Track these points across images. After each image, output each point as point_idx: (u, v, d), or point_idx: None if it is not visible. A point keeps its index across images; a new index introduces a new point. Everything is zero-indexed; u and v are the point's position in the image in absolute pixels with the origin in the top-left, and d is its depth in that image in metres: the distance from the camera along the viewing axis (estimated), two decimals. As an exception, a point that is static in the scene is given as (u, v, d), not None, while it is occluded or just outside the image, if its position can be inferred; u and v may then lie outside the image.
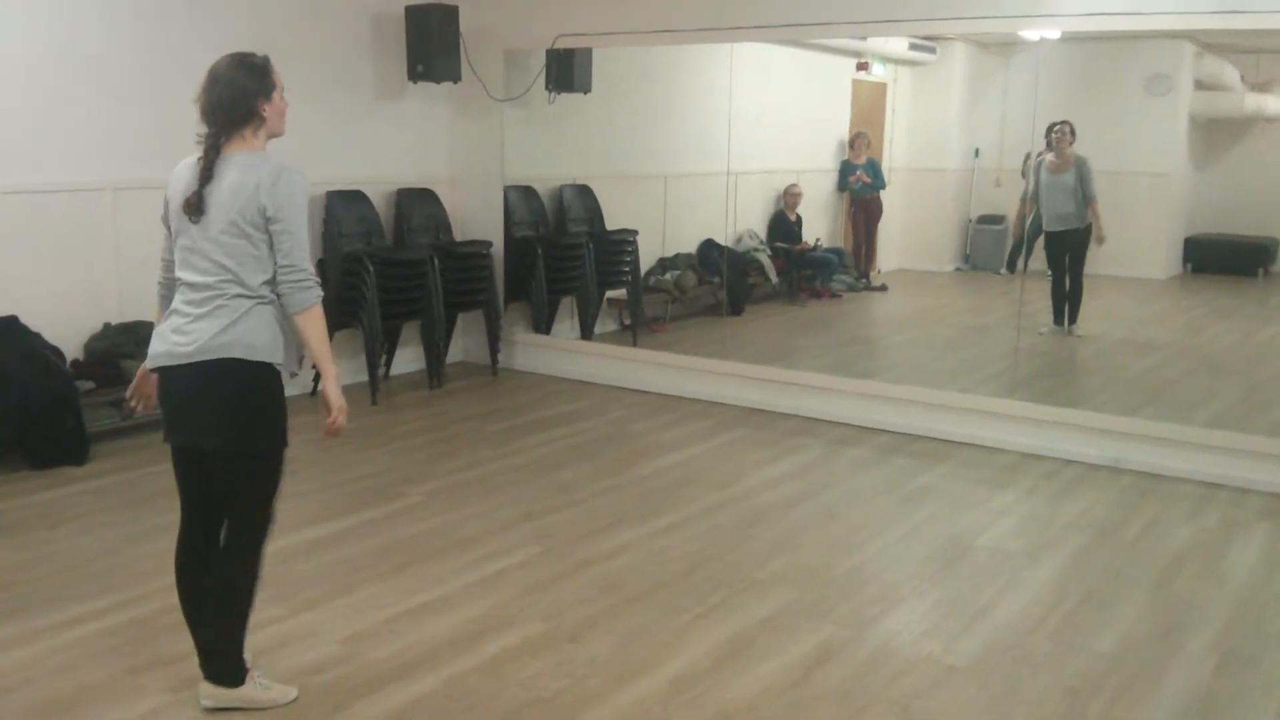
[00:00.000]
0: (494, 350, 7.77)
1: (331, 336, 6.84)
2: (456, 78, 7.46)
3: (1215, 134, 9.61)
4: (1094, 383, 7.59)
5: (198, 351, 3.01)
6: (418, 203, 7.59)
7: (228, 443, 3.10)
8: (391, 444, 6.04)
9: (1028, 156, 8.01)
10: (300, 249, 3.06)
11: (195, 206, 3.02)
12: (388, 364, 7.51)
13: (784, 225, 9.75)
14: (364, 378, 7.03)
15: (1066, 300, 8.03)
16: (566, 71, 7.76)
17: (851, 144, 9.96)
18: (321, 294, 3.13)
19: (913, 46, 9.71)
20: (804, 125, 10.00)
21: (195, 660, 3.29)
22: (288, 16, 6.77)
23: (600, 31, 7.23)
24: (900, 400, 6.50)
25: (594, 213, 8.38)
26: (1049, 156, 7.86)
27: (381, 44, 7.36)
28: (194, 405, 3.09)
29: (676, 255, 9.03)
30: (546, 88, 7.81)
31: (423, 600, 4.04)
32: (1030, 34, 6.40)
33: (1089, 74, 8.72)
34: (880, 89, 10.24)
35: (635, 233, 8.29)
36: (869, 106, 10.17)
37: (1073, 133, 7.77)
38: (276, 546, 4.47)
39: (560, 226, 8.20)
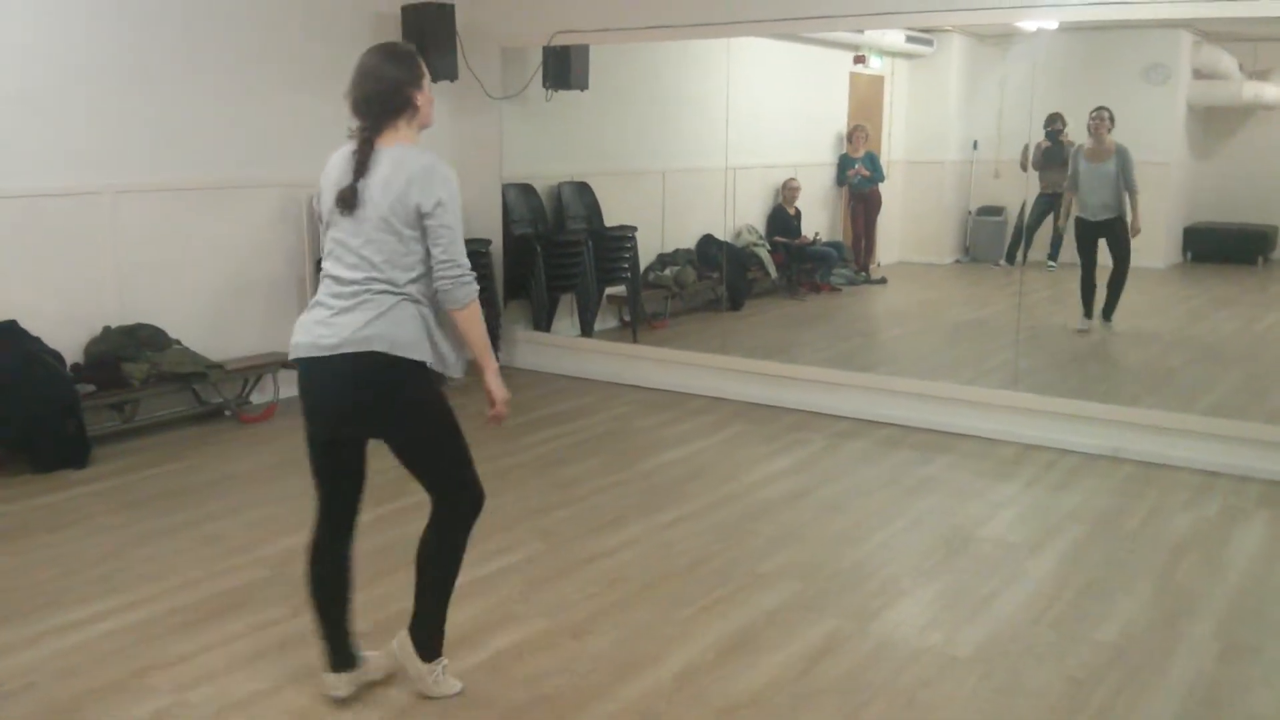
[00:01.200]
0: (494, 348, 7.75)
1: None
2: (453, 76, 7.45)
3: (1214, 123, 9.59)
4: (1094, 373, 7.59)
5: (341, 344, 3.00)
6: (416, 202, 7.57)
7: (376, 431, 3.14)
8: (393, 443, 6.03)
9: (1026, 147, 7.99)
10: (458, 244, 3.04)
11: (349, 201, 3.00)
12: (388, 363, 7.49)
13: (783, 220, 9.74)
14: (365, 377, 7.02)
15: (1108, 291, 7.89)
16: (563, 69, 7.76)
17: (849, 137, 9.95)
18: (478, 288, 3.11)
19: (910, 39, 9.70)
20: (802, 119, 9.98)
21: (200, 660, 3.30)
22: (284, 16, 6.76)
23: (597, 28, 7.22)
24: (901, 393, 6.51)
25: (593, 210, 8.38)
26: (1086, 144, 7.81)
27: (378, 42, 7.33)
28: (335, 397, 3.09)
29: (676, 251, 9.03)
30: (543, 85, 7.81)
31: (426, 598, 4.04)
32: (1028, 24, 6.40)
33: (1087, 64, 8.70)
34: (878, 82, 10.23)
35: (634, 229, 8.29)
36: (867, 100, 10.16)
37: (1111, 119, 7.74)
38: (278, 547, 4.51)
39: (559, 224, 8.20)
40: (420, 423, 3.13)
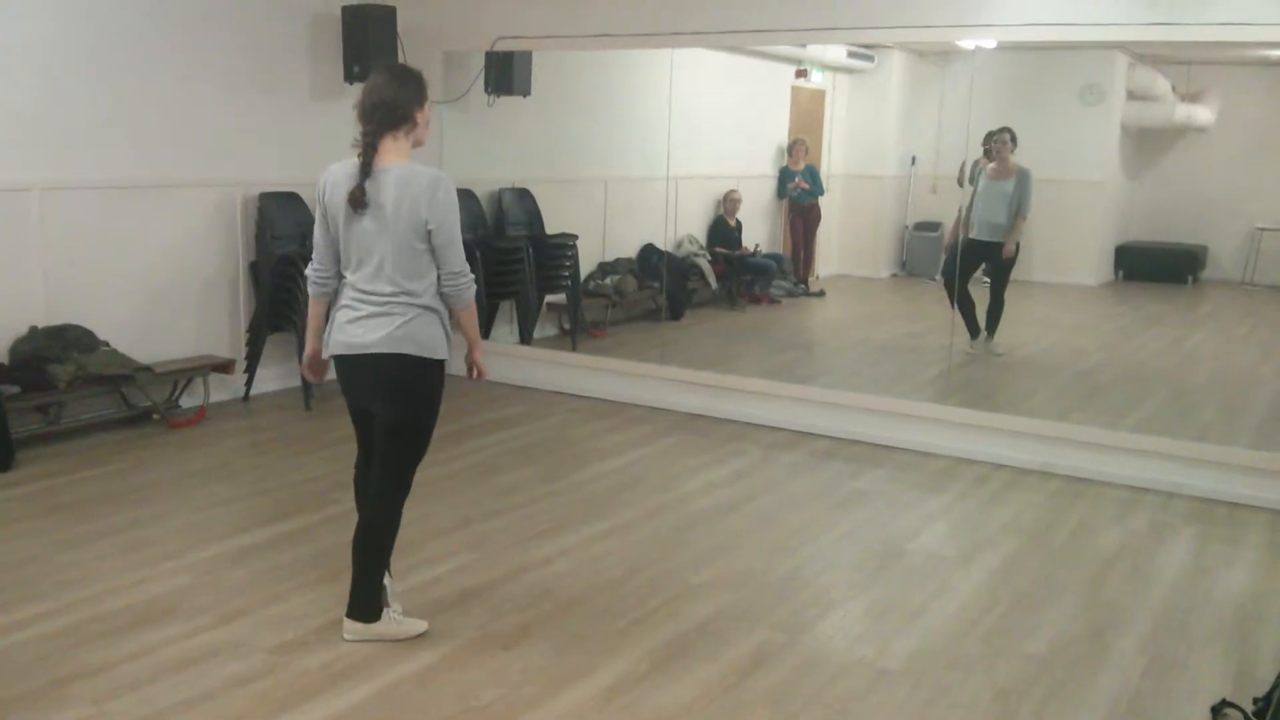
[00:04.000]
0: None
1: (265, 340, 6.81)
2: (394, 79, 7.39)
3: (1147, 143, 9.79)
4: (1025, 388, 7.69)
5: (374, 344, 3.48)
6: (354, 205, 7.50)
7: (399, 416, 3.58)
8: (326, 449, 5.97)
9: (963, 164, 8.09)
10: (459, 254, 3.51)
11: (358, 199, 3.41)
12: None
13: (724, 231, 9.79)
14: (297, 382, 6.95)
15: (987, 317, 7.84)
16: (506, 74, 7.73)
17: (790, 150, 10.03)
18: (475, 288, 3.61)
19: (851, 54, 9.80)
20: (743, 131, 10.05)
21: (123, 669, 3.26)
22: (222, 15, 6.66)
23: (540, 35, 7.20)
24: (837, 405, 6.55)
25: (534, 216, 8.35)
26: (991, 163, 7.83)
27: (317, 44, 7.28)
28: (370, 388, 3.58)
29: (617, 260, 9.03)
30: (485, 90, 7.77)
31: (355, 608, 4.00)
32: (966, 43, 6.47)
33: (1024, 83, 8.84)
34: (819, 96, 10.32)
35: (575, 237, 8.28)
36: (808, 113, 10.25)
37: (1013, 140, 7.72)
38: (206, 554, 4.44)
39: (499, 230, 8.17)
40: (420, 407, 3.61)
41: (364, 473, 3.83)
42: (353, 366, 3.58)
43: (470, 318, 3.67)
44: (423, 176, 3.43)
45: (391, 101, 3.46)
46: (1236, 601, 4.33)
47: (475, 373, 3.79)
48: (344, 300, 3.57)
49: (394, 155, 3.47)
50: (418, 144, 3.58)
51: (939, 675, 3.64)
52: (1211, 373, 8.19)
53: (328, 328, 3.65)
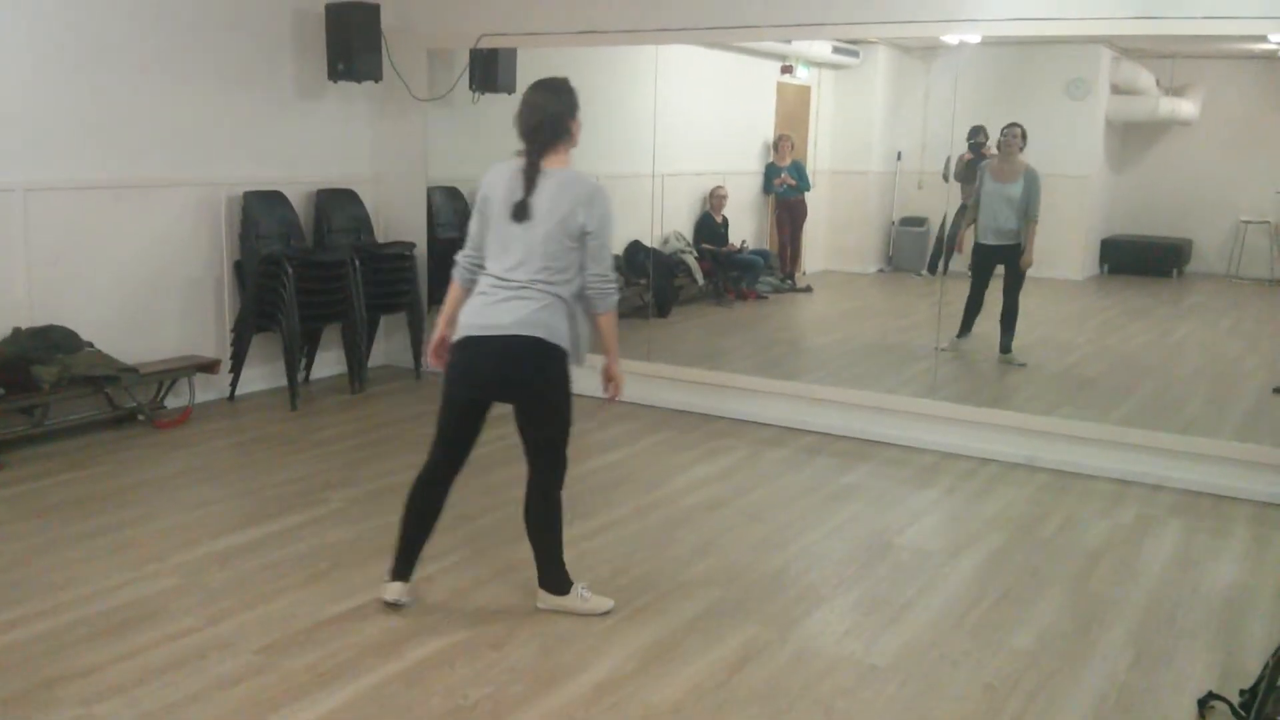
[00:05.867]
0: (417, 353, 7.70)
1: (250, 340, 6.79)
2: (378, 77, 7.38)
3: (1131, 137, 9.80)
4: (1012, 382, 7.70)
5: (510, 326, 3.62)
6: (339, 203, 7.49)
7: (533, 397, 3.75)
8: (313, 449, 5.95)
9: (948, 160, 8.08)
10: (608, 259, 3.71)
11: (521, 213, 3.64)
12: (308, 368, 7.40)
13: (710, 227, 9.78)
14: (283, 382, 6.92)
15: (1001, 325, 7.60)
16: (490, 71, 7.70)
17: (776, 146, 10.01)
18: (619, 297, 3.78)
19: (836, 50, 9.78)
20: (729, 128, 10.03)
21: (110, 671, 3.23)
22: (203, 14, 6.64)
23: (525, 31, 7.19)
24: (824, 401, 6.55)
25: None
26: (994, 162, 7.62)
27: (301, 42, 7.25)
28: (494, 367, 3.70)
29: (603, 257, 8.99)
30: (470, 87, 7.75)
31: (343, 608, 3.99)
32: (951, 38, 6.48)
33: (1009, 78, 8.83)
34: (804, 92, 10.31)
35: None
36: (793, 109, 10.24)
37: (1024, 136, 7.46)
38: (193, 555, 4.42)
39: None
40: (551, 397, 3.76)
41: (432, 480, 3.91)
42: (480, 349, 3.69)
43: (610, 325, 3.79)
44: (583, 184, 3.67)
45: (554, 119, 3.69)
46: (1223, 594, 4.35)
47: (611, 388, 3.97)
48: (480, 288, 3.74)
49: (554, 163, 3.69)
50: (572, 148, 3.79)
51: (927, 670, 3.64)
52: (1197, 365, 8.21)
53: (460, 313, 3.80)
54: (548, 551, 3.95)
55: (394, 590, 3.94)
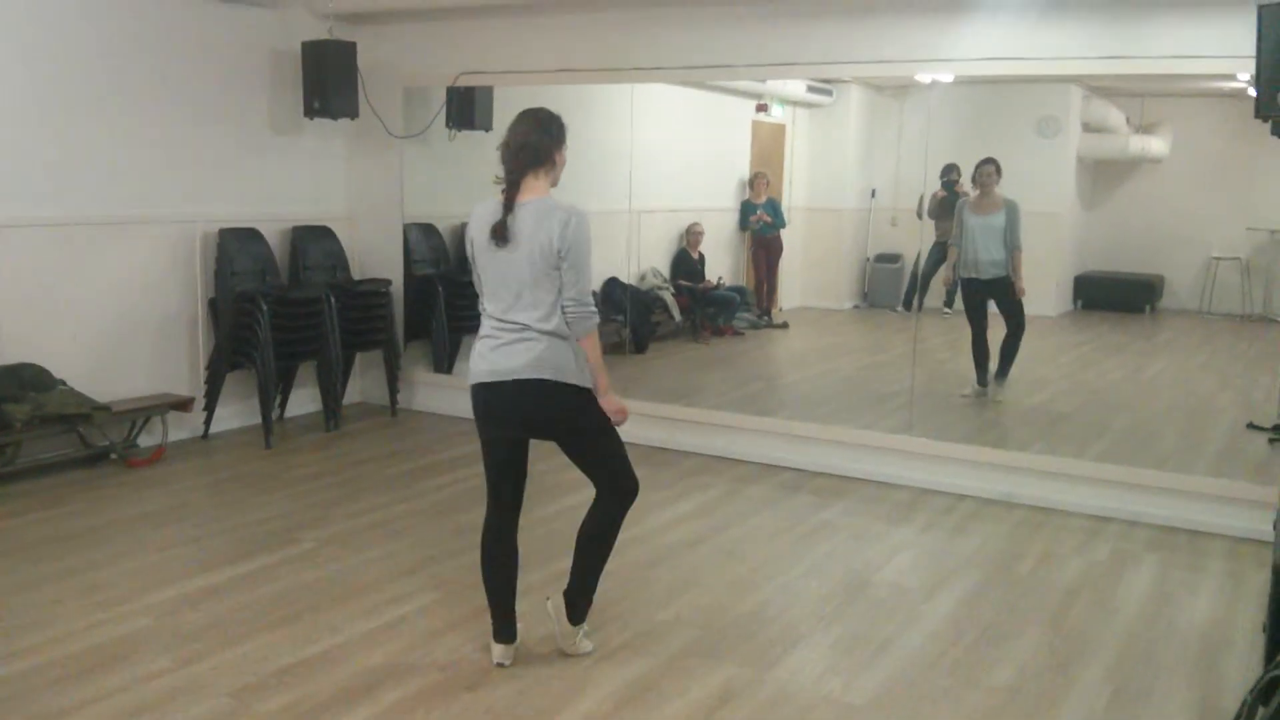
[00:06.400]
0: (393, 391, 7.67)
1: (224, 377, 6.75)
2: (354, 114, 7.38)
3: (1102, 174, 9.91)
4: (988, 418, 7.73)
5: (519, 370, 3.63)
6: (314, 240, 7.48)
7: (549, 435, 3.79)
8: (286, 488, 5.91)
9: (922, 197, 8.14)
10: (585, 283, 3.66)
11: (500, 233, 3.61)
12: (283, 405, 7.35)
13: (687, 263, 9.80)
14: (257, 420, 6.87)
15: (1001, 354, 7.63)
16: (467, 109, 7.72)
17: (752, 184, 10.07)
18: (599, 319, 3.73)
19: (810, 89, 9.87)
20: (705, 165, 10.09)
21: (79, 716, 3.15)
22: (181, 51, 6.63)
23: (502, 70, 7.22)
24: (801, 437, 6.55)
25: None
26: (973, 197, 7.68)
27: (278, 79, 7.26)
28: (515, 410, 3.71)
29: (579, 294, 8.99)
30: (447, 125, 7.76)
31: (316, 650, 3.94)
32: (924, 77, 6.53)
33: (981, 116, 8.92)
34: (779, 130, 10.38)
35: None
36: (768, 147, 10.31)
37: (998, 171, 7.52)
38: (164, 596, 4.37)
39: (462, 264, 8.13)
40: (583, 429, 3.78)
41: (497, 526, 3.89)
42: (496, 394, 3.70)
43: (593, 350, 3.72)
44: (561, 208, 3.65)
45: (535, 144, 3.70)
46: (1200, 629, 4.35)
47: (617, 418, 3.84)
48: (484, 330, 3.75)
49: (532, 192, 3.68)
50: (554, 184, 3.80)
51: (906, 709, 3.62)
52: (1171, 401, 8.26)
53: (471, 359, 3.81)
54: (593, 570, 3.90)
55: (498, 653, 3.85)
